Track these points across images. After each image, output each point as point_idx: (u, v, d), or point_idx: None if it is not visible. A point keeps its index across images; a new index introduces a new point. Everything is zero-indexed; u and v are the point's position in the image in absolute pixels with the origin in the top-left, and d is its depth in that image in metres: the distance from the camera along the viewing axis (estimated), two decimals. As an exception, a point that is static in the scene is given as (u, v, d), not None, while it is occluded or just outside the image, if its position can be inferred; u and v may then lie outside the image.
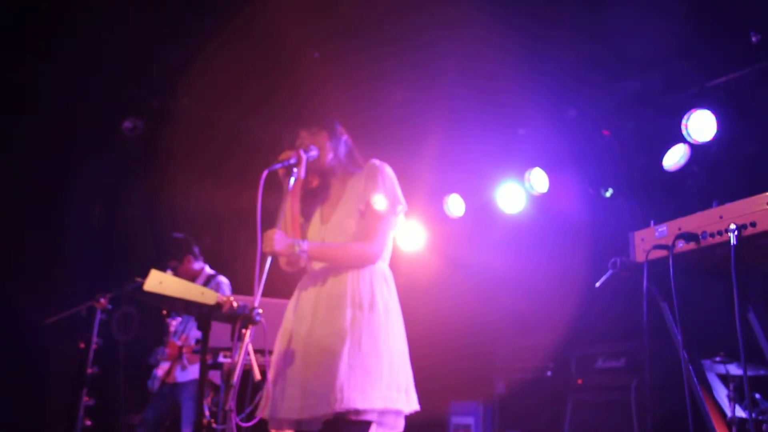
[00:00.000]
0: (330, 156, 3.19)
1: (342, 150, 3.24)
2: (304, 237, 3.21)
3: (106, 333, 4.71)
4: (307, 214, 3.26)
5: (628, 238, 2.87)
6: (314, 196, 3.28)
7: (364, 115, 3.31)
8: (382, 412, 2.83)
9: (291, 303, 3.14)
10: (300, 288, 3.15)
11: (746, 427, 4.08)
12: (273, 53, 5.48)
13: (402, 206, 3.14)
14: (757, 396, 4.22)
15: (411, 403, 2.96)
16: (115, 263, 5.97)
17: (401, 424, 2.95)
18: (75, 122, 5.91)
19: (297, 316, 3.05)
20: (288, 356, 2.96)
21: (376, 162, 3.19)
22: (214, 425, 3.32)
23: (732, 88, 5.13)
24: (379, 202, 3.06)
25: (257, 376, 2.87)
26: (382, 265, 3.11)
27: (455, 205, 7.09)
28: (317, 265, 3.13)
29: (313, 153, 3.12)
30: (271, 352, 3.16)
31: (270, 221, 2.91)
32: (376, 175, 3.12)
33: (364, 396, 2.75)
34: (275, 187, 3.04)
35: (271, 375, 2.98)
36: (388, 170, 3.17)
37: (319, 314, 2.96)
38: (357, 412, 2.75)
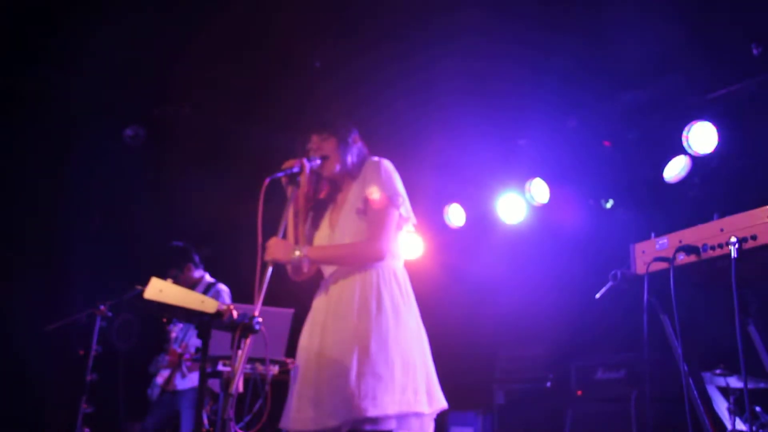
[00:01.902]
0: (336, 163, 3.16)
1: (352, 158, 3.19)
2: (310, 244, 3.19)
3: (105, 340, 4.70)
4: (316, 222, 3.23)
5: (629, 249, 2.86)
6: (324, 203, 3.26)
7: (365, 123, 3.32)
8: (401, 417, 2.75)
9: (309, 314, 3.12)
10: (314, 298, 3.12)
11: (746, 439, 4.07)
12: (274, 62, 5.49)
13: (402, 198, 3.06)
14: (758, 409, 4.21)
15: (434, 403, 2.89)
16: (116, 271, 5.96)
17: (429, 426, 2.88)
18: (75, 130, 5.91)
19: (311, 327, 3.03)
20: (303, 368, 2.95)
21: (374, 158, 3.16)
22: (213, 434, 3.32)
23: (733, 100, 5.13)
24: (378, 196, 3.00)
25: (240, 388, 2.83)
26: (392, 263, 3.04)
27: (456, 215, 7.10)
28: (328, 272, 3.11)
29: (317, 162, 3.11)
30: (272, 361, 3.17)
31: (274, 230, 2.92)
32: (373, 171, 3.08)
33: (375, 403, 2.69)
34: (279, 195, 3.05)
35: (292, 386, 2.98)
36: (386, 165, 3.11)
37: (329, 324, 2.94)
38: (371, 420, 2.69)
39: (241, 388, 2.81)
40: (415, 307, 3.04)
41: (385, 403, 2.71)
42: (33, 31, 5.18)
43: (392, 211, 3.02)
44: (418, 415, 2.81)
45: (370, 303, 2.88)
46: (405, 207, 3.08)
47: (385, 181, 3.04)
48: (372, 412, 2.68)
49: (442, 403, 2.93)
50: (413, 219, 3.14)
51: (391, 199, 3.01)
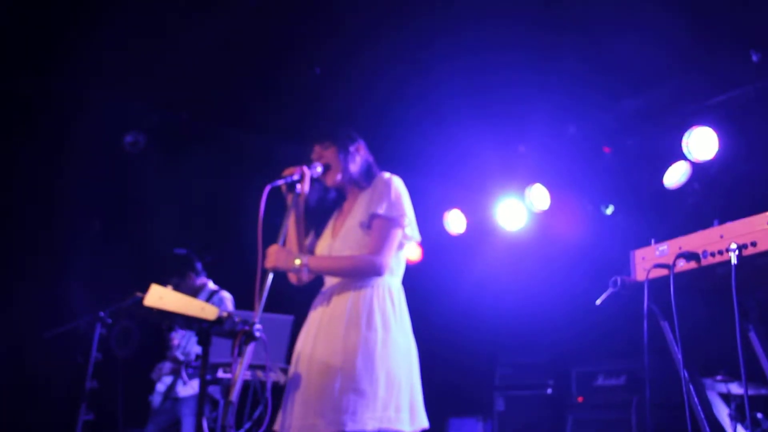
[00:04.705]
0: (338, 171, 3.17)
1: (354, 165, 3.20)
2: (312, 251, 3.21)
3: (105, 347, 4.69)
4: (320, 229, 3.25)
5: (629, 256, 2.86)
6: (329, 211, 3.28)
7: (364, 130, 3.34)
8: None
9: (305, 322, 3.14)
10: (312, 307, 3.14)
11: (747, 446, 4.06)
12: (273, 68, 5.50)
13: (408, 219, 3.09)
14: (759, 415, 4.21)
15: (417, 422, 2.89)
16: (115, 278, 5.95)
17: None
18: (76, 135, 5.91)
19: (304, 337, 3.05)
20: (296, 375, 2.96)
21: (386, 175, 3.18)
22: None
23: (733, 106, 5.14)
24: (384, 213, 3.03)
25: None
26: (390, 280, 3.06)
27: (456, 221, 7.10)
28: (328, 282, 3.13)
29: (318, 170, 3.12)
30: (272, 368, 3.17)
31: (274, 237, 2.92)
32: (383, 188, 3.10)
33: (355, 418, 2.72)
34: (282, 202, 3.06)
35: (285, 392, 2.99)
36: (397, 182, 3.14)
37: (321, 334, 2.96)
38: None
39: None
40: (408, 325, 3.06)
41: (364, 419, 2.73)
42: (32, 37, 5.19)
43: (395, 230, 3.05)
44: None
45: (361, 318, 2.90)
46: (411, 227, 3.12)
47: (394, 199, 3.07)
48: (351, 427, 2.70)
49: (424, 423, 2.93)
50: (417, 237, 3.16)
51: (396, 218, 3.05)
